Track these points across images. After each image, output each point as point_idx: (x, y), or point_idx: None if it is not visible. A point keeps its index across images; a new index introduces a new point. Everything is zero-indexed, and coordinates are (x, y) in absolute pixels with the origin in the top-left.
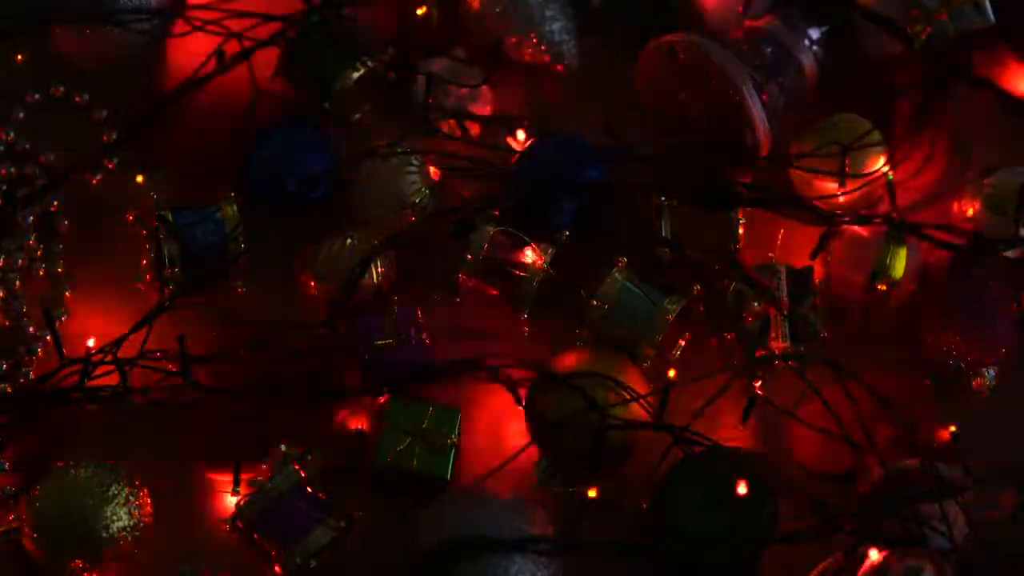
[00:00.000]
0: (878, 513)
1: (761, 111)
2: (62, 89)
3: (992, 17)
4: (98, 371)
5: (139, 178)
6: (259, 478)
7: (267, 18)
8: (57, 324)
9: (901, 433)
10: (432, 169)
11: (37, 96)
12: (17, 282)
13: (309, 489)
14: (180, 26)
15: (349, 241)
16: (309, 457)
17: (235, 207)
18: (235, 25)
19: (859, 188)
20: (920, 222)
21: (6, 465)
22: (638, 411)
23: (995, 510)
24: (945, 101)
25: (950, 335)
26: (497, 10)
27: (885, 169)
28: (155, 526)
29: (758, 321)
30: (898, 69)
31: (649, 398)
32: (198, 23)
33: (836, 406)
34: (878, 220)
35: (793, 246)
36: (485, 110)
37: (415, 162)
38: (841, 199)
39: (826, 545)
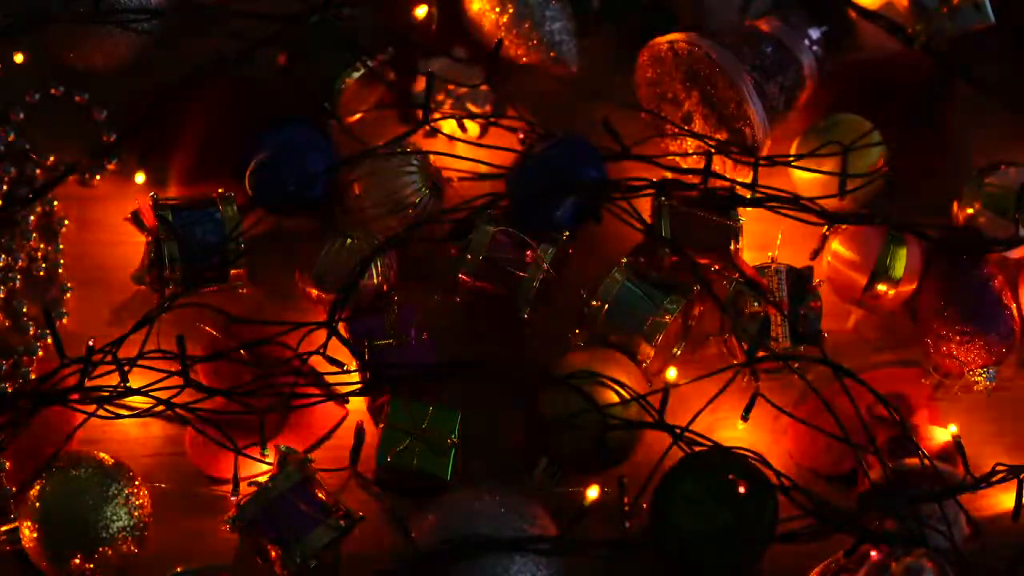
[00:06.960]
0: (878, 513)
1: (761, 111)
2: (62, 89)
3: (992, 17)
4: (98, 371)
5: (139, 178)
6: (259, 478)
7: (267, 18)
8: (57, 324)
9: (901, 433)
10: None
11: (37, 96)
12: (17, 282)
13: (309, 489)
14: (180, 26)
15: (349, 241)
16: (309, 457)
17: (235, 207)
18: (235, 25)
19: (859, 188)
20: (920, 222)
21: (6, 465)
22: (638, 411)
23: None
24: (945, 101)
25: (950, 336)
26: (497, 10)
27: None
28: (155, 526)
29: (758, 321)
30: (898, 69)
31: (649, 398)
32: (198, 23)
33: (836, 406)
34: (878, 220)
35: (793, 246)
36: (485, 110)
37: (415, 162)
38: (841, 200)
39: (826, 545)
